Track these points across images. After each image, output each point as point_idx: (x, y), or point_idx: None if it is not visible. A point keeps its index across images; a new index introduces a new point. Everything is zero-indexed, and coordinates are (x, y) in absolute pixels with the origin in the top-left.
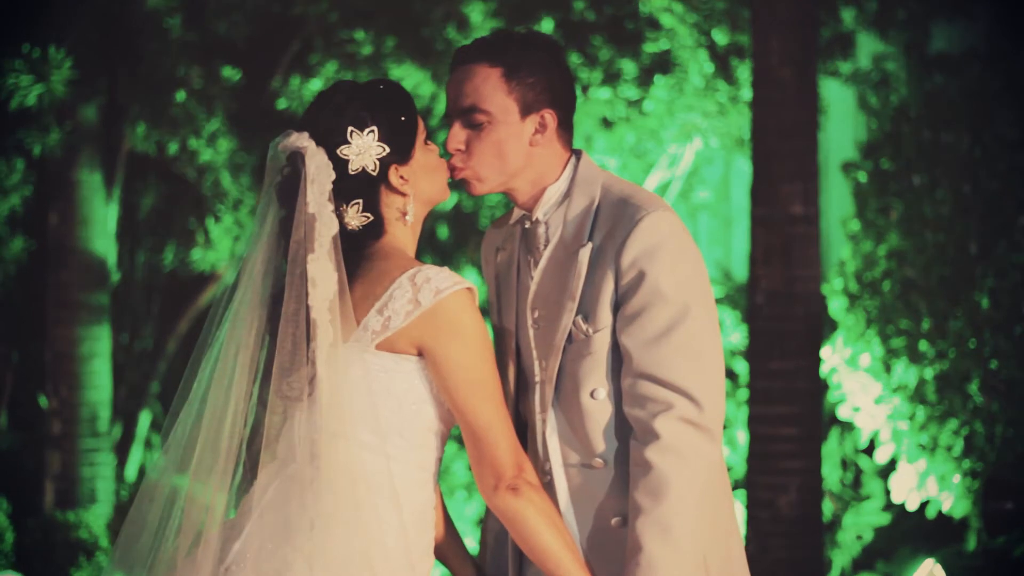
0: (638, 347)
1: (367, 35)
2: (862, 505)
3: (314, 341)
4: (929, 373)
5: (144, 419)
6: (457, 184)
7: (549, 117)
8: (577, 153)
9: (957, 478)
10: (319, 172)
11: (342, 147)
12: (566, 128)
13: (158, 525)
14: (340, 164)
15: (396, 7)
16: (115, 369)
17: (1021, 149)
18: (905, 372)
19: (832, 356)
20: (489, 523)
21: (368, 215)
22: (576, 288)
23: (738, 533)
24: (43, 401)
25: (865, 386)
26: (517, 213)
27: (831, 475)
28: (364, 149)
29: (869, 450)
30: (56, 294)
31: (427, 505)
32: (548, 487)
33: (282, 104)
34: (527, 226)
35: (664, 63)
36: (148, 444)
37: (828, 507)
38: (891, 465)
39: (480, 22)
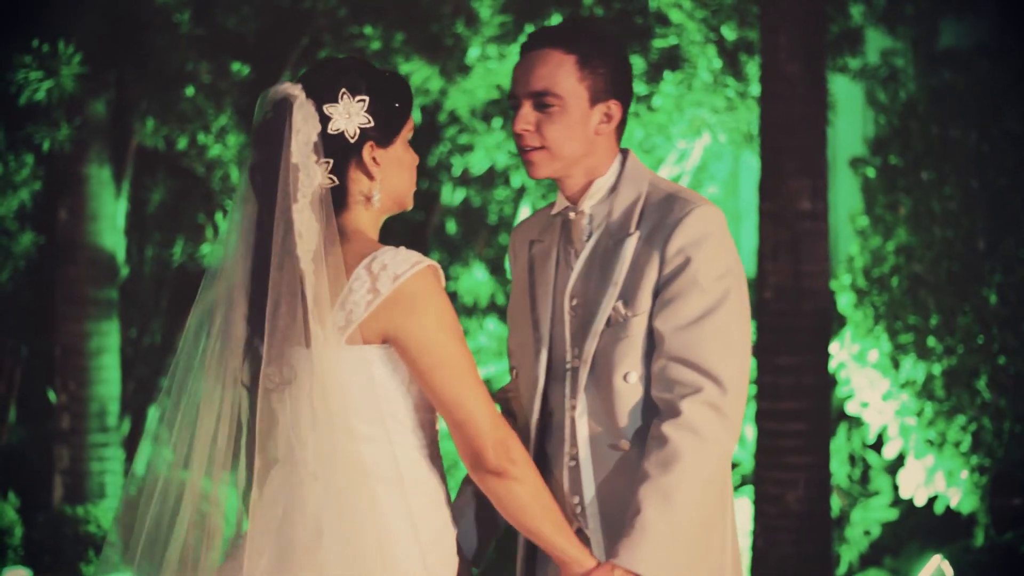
0: (671, 331)
1: (376, 30)
2: (870, 501)
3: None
4: (937, 369)
5: (153, 414)
6: (475, 175)
7: (615, 108)
8: (624, 151)
9: (965, 474)
10: (305, 122)
11: (329, 105)
12: (622, 123)
13: (159, 519)
14: (322, 120)
15: (405, 2)
16: (124, 364)
17: None
18: (913, 368)
19: (840, 352)
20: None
21: (334, 178)
22: (619, 274)
23: (734, 527)
24: (52, 396)
25: (873, 382)
26: (559, 205)
27: (839, 471)
28: (350, 114)
29: (877, 446)
30: (65, 289)
31: (433, 484)
32: (574, 470)
33: None
34: (571, 217)
35: (673, 59)
36: (157, 439)
37: (836, 502)
38: (899, 461)
39: (489, 17)
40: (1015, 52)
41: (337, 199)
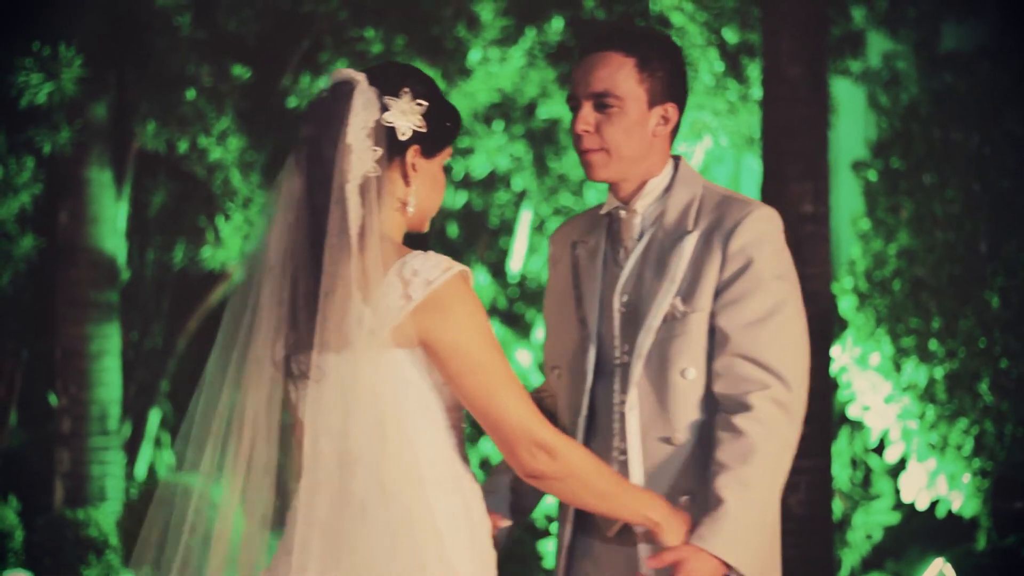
0: (737, 329)
1: (377, 33)
2: (872, 504)
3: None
4: (939, 372)
5: (154, 417)
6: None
7: (672, 110)
8: (677, 157)
9: (967, 477)
10: (365, 108)
11: (390, 97)
12: (677, 126)
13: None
14: (380, 110)
15: (406, 5)
16: (125, 367)
17: None
18: (915, 371)
19: (842, 355)
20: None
21: (378, 169)
22: (677, 271)
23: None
24: (53, 399)
25: (875, 385)
26: (609, 204)
27: (841, 474)
28: (408, 112)
29: (879, 449)
30: (66, 292)
31: (466, 483)
32: (622, 465)
33: (292, 102)
34: (622, 216)
35: None
36: (158, 442)
37: (838, 506)
38: (901, 464)
39: (491, 20)
40: (1016, 54)
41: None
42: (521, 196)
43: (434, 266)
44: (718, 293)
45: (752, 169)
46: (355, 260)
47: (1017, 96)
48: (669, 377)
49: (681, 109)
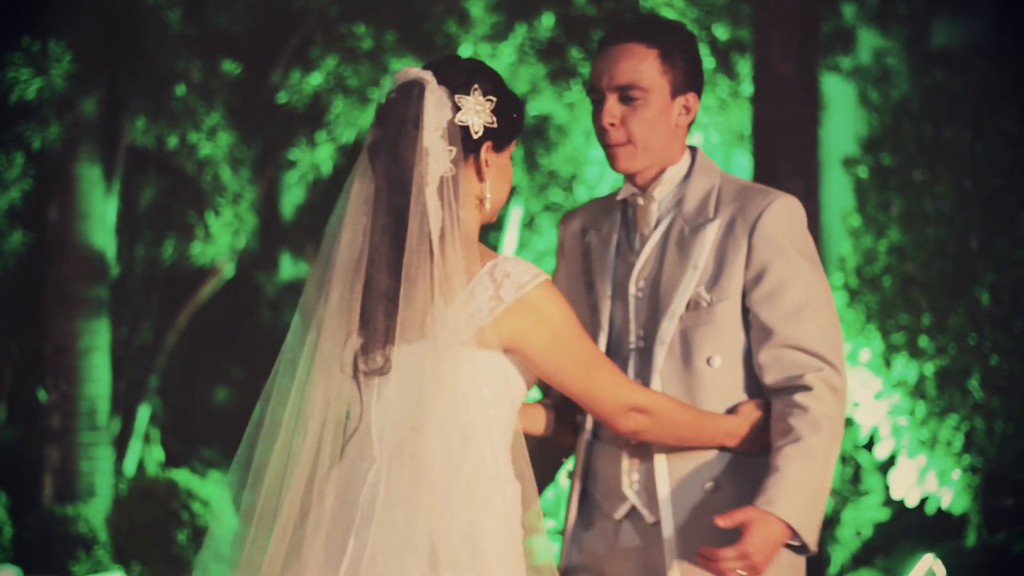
0: (780, 321)
1: (367, 29)
2: (861, 500)
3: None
4: (929, 369)
5: (143, 413)
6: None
7: (693, 100)
8: (693, 147)
9: (957, 474)
10: (438, 108)
11: (461, 95)
12: (695, 116)
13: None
14: (453, 109)
15: (397, 1)
16: (114, 363)
17: (1022, 144)
18: (905, 368)
19: None
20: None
21: (453, 168)
22: (700, 259)
23: None
24: (42, 395)
25: (865, 381)
26: (625, 191)
27: None
28: (479, 109)
29: (869, 445)
30: (55, 288)
31: (522, 484)
32: (637, 447)
33: (282, 98)
34: (639, 203)
35: None
36: (147, 438)
37: (828, 502)
38: (891, 461)
39: (481, 16)
40: (1008, 51)
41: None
42: (511, 192)
43: (525, 271)
44: (751, 284)
45: (742, 165)
46: (437, 262)
47: (1008, 93)
48: (695, 365)
49: (699, 98)
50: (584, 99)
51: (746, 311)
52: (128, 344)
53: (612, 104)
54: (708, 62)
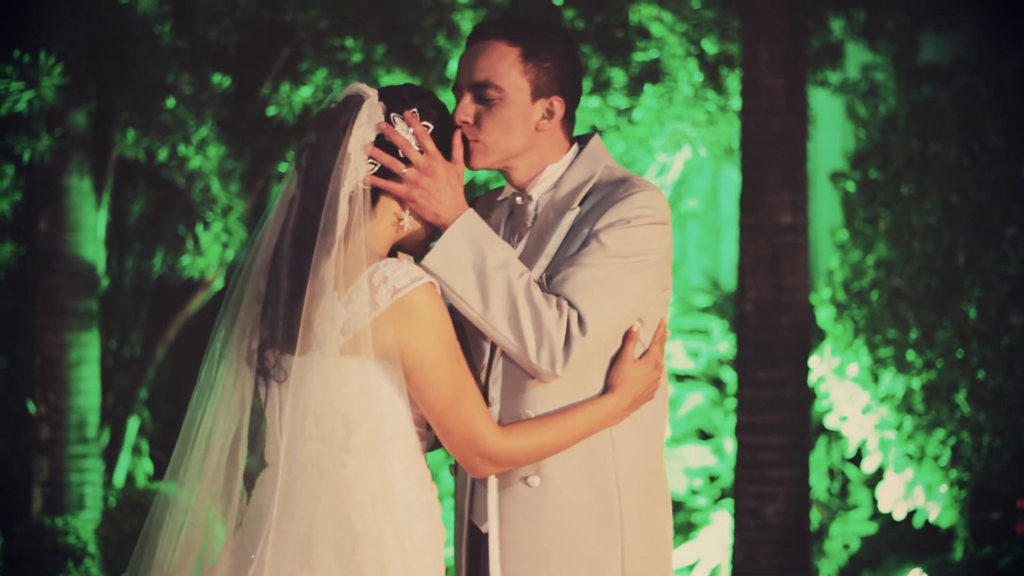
0: (558, 277)
1: (357, 42)
2: (849, 514)
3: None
4: (916, 383)
5: (132, 425)
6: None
7: (557, 104)
8: (587, 136)
9: (944, 488)
10: (369, 120)
11: (396, 115)
12: (569, 118)
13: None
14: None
15: (387, 15)
16: (104, 375)
17: (1009, 159)
18: (893, 382)
19: (820, 365)
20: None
21: (366, 184)
22: (552, 246)
23: None
24: (31, 406)
25: (853, 395)
26: (508, 190)
27: (818, 484)
28: (412, 130)
29: (856, 459)
30: (45, 300)
31: (421, 497)
32: None
33: (272, 111)
34: (518, 202)
35: (654, 72)
36: (136, 450)
37: (815, 516)
38: (878, 474)
39: (470, 30)
40: (995, 66)
41: (365, 206)
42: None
43: (404, 274)
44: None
45: (731, 180)
46: (334, 261)
47: (996, 107)
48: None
49: (570, 103)
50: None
51: None
52: (117, 356)
53: (467, 102)
54: (697, 76)
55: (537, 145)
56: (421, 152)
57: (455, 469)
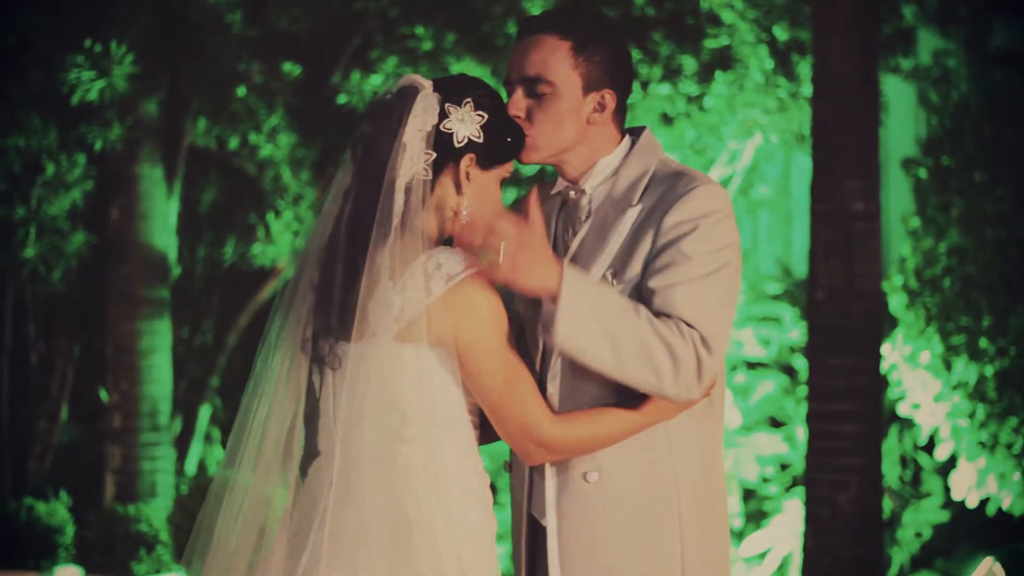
0: (660, 290)
1: (427, 30)
2: (922, 502)
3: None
4: (989, 370)
5: (204, 413)
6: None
7: (609, 97)
8: (639, 130)
9: (1017, 476)
10: (425, 111)
11: (451, 104)
12: (621, 111)
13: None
14: (440, 115)
15: (457, 3)
16: (175, 363)
17: None
18: (965, 369)
19: (892, 353)
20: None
21: (428, 172)
22: (615, 243)
23: None
24: (104, 395)
25: (925, 383)
26: (560, 184)
27: (891, 472)
28: (467, 122)
29: (929, 447)
30: (117, 288)
31: (474, 484)
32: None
33: (342, 99)
34: (571, 196)
35: (724, 59)
36: (208, 438)
37: (888, 504)
38: (951, 462)
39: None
40: None
41: (425, 195)
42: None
43: (457, 262)
44: (646, 266)
45: (802, 167)
46: (390, 249)
47: None
48: None
49: (622, 96)
50: (644, 99)
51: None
52: (189, 344)
53: (519, 96)
54: (768, 63)
55: (589, 139)
56: (480, 141)
57: (509, 466)
